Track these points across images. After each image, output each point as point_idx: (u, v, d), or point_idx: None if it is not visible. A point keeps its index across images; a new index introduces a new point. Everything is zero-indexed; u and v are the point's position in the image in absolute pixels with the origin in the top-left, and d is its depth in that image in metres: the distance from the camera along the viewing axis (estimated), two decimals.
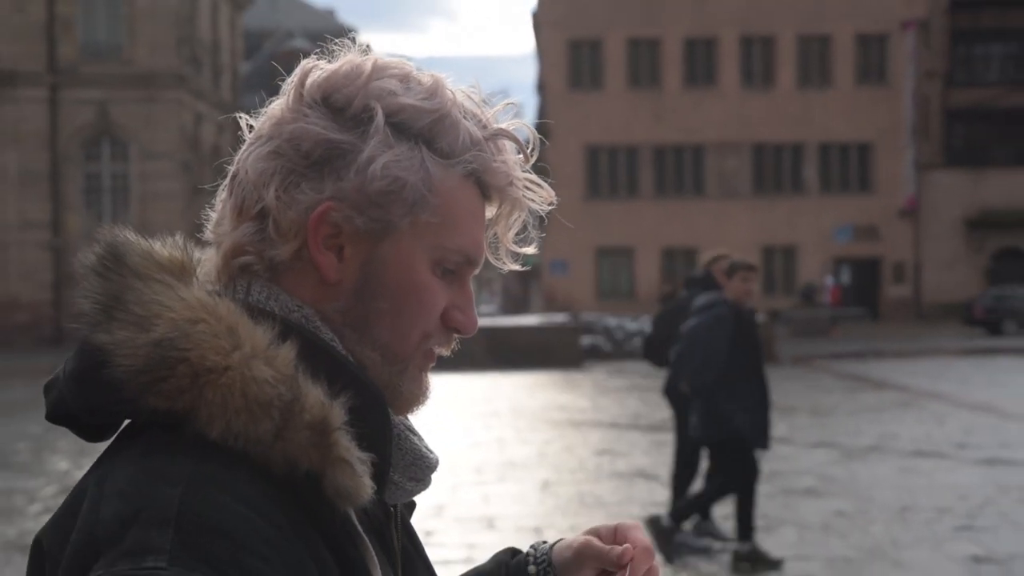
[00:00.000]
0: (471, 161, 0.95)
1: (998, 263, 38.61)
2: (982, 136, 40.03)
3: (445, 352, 0.99)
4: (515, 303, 51.27)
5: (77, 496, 0.86)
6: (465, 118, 0.95)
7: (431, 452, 0.99)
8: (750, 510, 6.48)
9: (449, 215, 0.94)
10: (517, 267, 1.04)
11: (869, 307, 38.14)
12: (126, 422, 0.89)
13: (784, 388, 15.00)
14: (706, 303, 6.50)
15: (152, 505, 0.80)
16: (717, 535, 6.98)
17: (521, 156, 1.00)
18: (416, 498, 1.02)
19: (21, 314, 30.41)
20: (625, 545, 1.00)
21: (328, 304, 0.94)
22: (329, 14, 63.56)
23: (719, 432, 6.45)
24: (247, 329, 0.86)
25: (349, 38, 0.99)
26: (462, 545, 6.96)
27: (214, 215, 0.97)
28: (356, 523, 0.88)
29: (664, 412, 13.99)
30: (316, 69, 0.96)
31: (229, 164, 0.98)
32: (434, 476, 1.00)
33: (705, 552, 6.78)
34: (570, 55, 39.28)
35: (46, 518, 0.93)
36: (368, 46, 0.98)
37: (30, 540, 0.92)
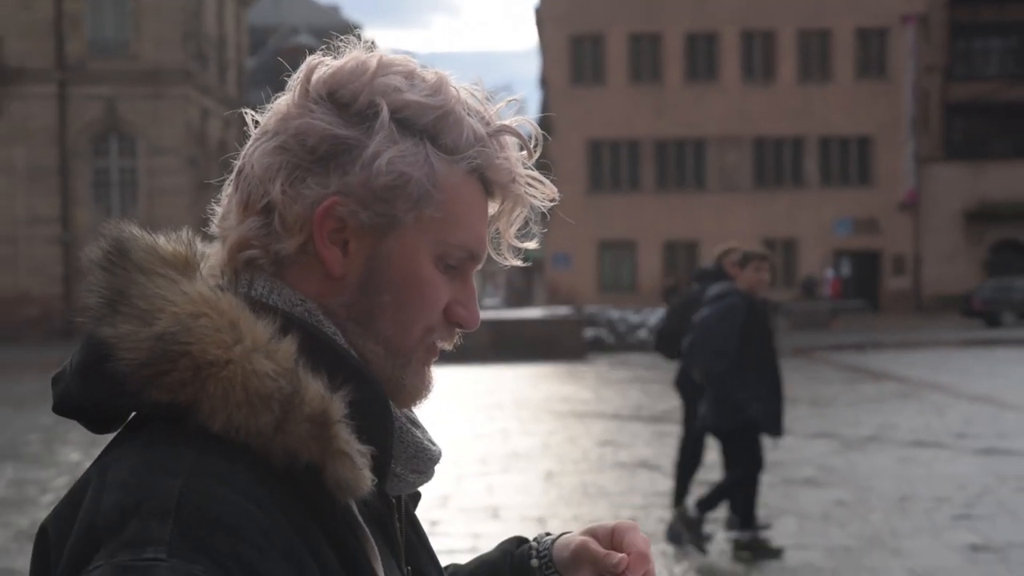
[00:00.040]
0: (475, 157, 0.95)
1: (997, 255, 38.53)
2: (981, 130, 39.92)
3: (448, 346, 0.99)
4: (519, 296, 51.26)
5: (81, 485, 0.86)
6: (469, 115, 0.95)
7: (433, 444, 0.99)
8: (753, 500, 6.48)
9: (452, 211, 0.94)
10: (518, 263, 1.04)
11: (869, 299, 38.07)
12: (132, 414, 0.89)
13: (785, 379, 14.96)
14: (718, 293, 6.47)
15: (152, 496, 0.80)
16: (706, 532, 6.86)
17: (524, 153, 0.99)
18: (421, 489, 1.02)
19: (31, 308, 30.47)
20: (621, 555, 0.99)
21: (332, 298, 0.94)
22: (333, 10, 63.48)
23: (730, 421, 6.41)
24: (248, 323, 0.86)
25: (354, 34, 0.99)
26: (467, 535, 6.97)
27: (220, 209, 0.97)
28: (357, 515, 0.88)
29: (666, 403, 14.01)
30: (321, 65, 0.96)
31: (235, 159, 0.97)
32: (437, 468, 1.00)
33: (708, 541, 6.78)
34: (572, 50, 39.22)
35: None
36: (373, 42, 0.98)
37: None
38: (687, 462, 7.31)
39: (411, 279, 0.94)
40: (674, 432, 11.13)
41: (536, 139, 1.01)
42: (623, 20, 38.67)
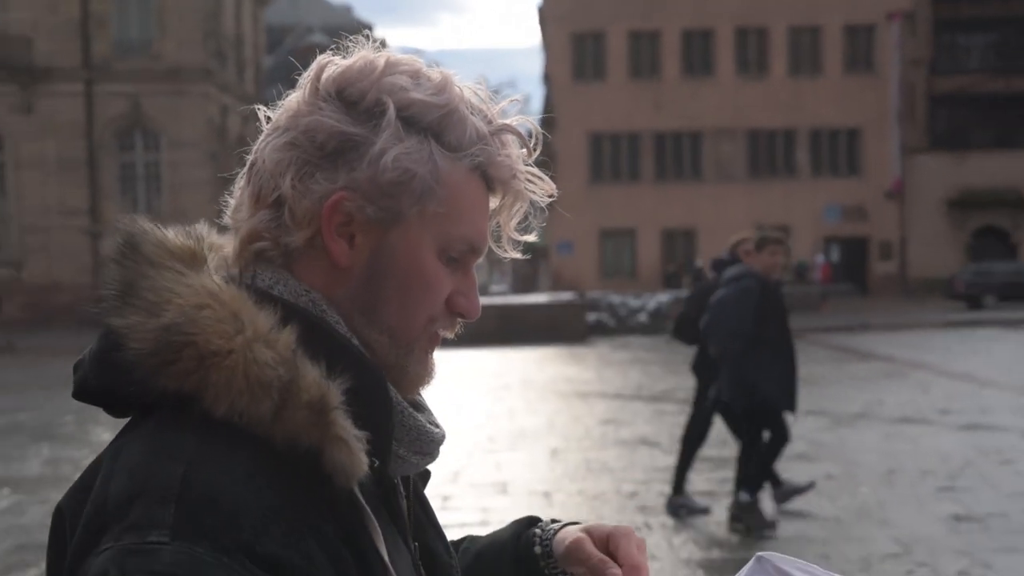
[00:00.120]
0: (477, 155, 0.94)
1: (978, 240, 38.44)
2: (964, 121, 39.76)
3: (449, 335, 0.99)
4: (524, 282, 51.25)
5: (94, 468, 0.86)
6: (472, 113, 0.94)
7: (437, 427, 0.98)
8: (768, 469, 6.46)
9: (455, 206, 0.93)
10: (518, 255, 1.03)
11: (857, 283, 38.02)
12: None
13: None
14: (734, 275, 6.42)
15: (157, 481, 0.80)
16: (694, 507, 6.82)
17: (524, 150, 0.99)
18: (432, 467, 1.01)
19: (63, 295, 30.54)
20: (615, 572, 0.96)
21: (339, 289, 0.93)
22: (346, 10, 63.32)
23: (748, 401, 6.37)
24: (250, 314, 0.86)
25: (364, 34, 0.98)
26: (477, 509, 6.99)
27: (233, 202, 0.97)
28: (359, 496, 0.87)
29: (665, 383, 14.01)
30: (331, 64, 0.95)
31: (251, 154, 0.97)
32: (443, 448, 1.00)
33: (704, 513, 6.78)
34: (574, 47, 39.11)
35: None
36: (382, 42, 0.97)
37: None
38: (692, 440, 7.28)
39: (415, 271, 0.93)
40: (672, 411, 11.14)
41: (536, 137, 1.00)
42: (623, 18, 38.57)
